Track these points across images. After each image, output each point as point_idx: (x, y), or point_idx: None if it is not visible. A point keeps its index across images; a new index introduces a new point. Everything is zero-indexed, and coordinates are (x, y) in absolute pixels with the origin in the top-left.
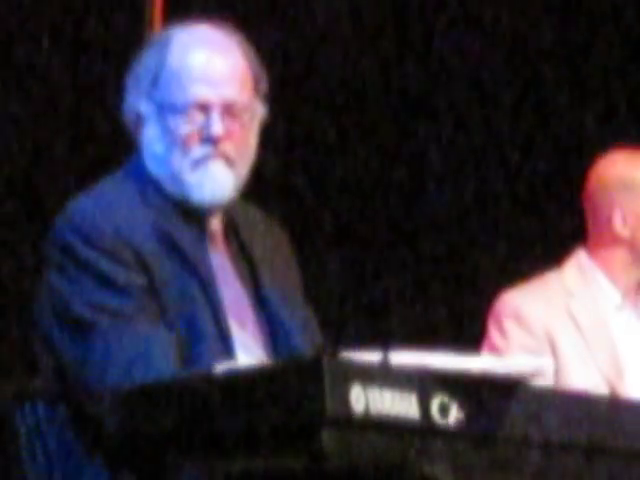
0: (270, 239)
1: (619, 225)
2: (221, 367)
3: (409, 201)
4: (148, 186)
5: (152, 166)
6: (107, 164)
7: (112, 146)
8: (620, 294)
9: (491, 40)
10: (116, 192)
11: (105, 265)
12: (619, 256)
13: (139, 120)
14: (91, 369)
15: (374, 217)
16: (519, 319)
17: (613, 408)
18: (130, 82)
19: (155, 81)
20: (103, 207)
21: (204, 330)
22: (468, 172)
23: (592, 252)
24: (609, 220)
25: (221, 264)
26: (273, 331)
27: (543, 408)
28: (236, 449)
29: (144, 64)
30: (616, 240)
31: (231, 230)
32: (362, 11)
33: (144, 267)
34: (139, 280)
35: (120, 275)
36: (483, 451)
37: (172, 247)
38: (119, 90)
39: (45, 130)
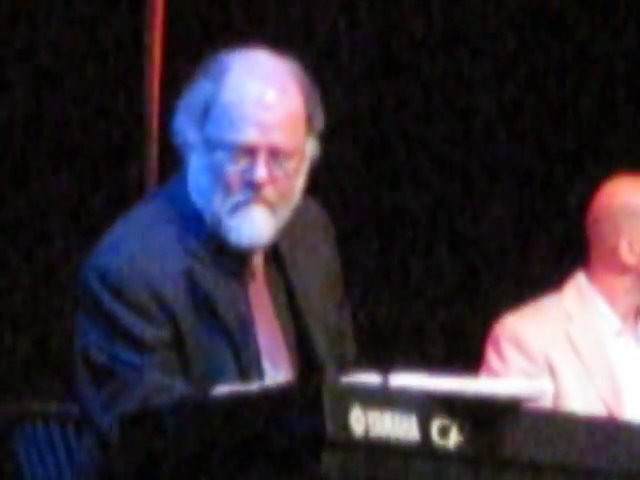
0: (312, 256)
1: (626, 253)
2: (221, 389)
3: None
4: (190, 218)
5: (196, 196)
6: None
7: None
8: (619, 319)
9: None
10: (152, 232)
11: (132, 320)
12: (623, 282)
13: (186, 146)
14: (95, 409)
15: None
16: (518, 343)
17: (613, 431)
18: (181, 105)
19: (206, 112)
20: (134, 255)
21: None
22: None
23: (593, 277)
24: (615, 247)
25: (260, 300)
26: (308, 365)
27: (543, 430)
28: (236, 471)
29: (197, 91)
30: (622, 267)
31: (273, 258)
32: None
33: (171, 319)
34: (164, 333)
35: (145, 331)
36: (483, 473)
37: (203, 299)
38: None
39: None
